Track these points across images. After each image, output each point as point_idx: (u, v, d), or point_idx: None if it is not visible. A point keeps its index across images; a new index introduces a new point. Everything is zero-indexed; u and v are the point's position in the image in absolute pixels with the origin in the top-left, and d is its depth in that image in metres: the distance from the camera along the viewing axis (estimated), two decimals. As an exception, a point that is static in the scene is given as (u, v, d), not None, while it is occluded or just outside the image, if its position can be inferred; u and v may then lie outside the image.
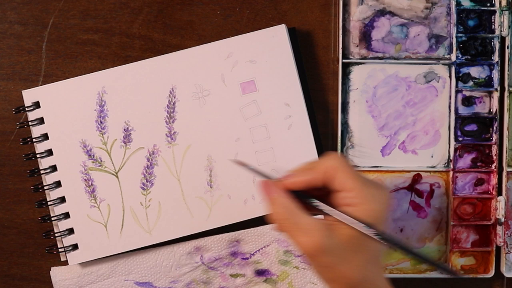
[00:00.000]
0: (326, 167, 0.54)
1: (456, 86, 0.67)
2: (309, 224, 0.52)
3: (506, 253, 0.68)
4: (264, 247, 0.67)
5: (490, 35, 0.67)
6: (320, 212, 0.54)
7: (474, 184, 0.68)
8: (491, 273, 0.68)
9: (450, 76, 0.68)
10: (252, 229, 0.66)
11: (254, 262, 0.67)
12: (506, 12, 0.67)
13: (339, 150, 0.66)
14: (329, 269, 0.53)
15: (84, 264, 0.66)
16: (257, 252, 0.67)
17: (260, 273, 0.67)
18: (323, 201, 0.54)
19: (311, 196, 0.54)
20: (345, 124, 0.67)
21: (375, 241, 0.52)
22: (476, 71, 0.68)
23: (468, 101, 0.68)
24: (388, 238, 0.51)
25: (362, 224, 0.51)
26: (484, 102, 0.68)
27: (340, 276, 0.52)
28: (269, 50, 0.65)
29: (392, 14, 0.67)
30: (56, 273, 0.66)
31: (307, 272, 0.67)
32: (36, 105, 0.65)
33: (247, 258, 0.67)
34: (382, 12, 0.67)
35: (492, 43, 0.67)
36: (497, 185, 0.67)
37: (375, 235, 0.51)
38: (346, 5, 0.67)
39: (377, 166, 0.68)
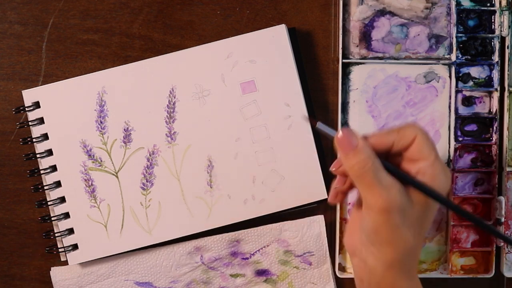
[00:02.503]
0: (406, 133, 0.55)
1: (456, 86, 0.67)
2: (389, 181, 0.53)
3: (506, 253, 0.68)
4: (264, 247, 0.67)
5: (490, 35, 0.67)
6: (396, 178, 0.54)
7: (474, 184, 0.68)
8: (491, 273, 0.68)
9: (450, 76, 0.68)
10: (252, 229, 0.66)
11: (254, 262, 0.67)
12: (506, 12, 0.67)
13: (339, 150, 0.66)
14: (393, 229, 0.53)
15: (84, 264, 0.66)
16: (257, 252, 0.67)
17: (260, 273, 0.67)
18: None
19: (387, 160, 0.55)
20: (345, 124, 0.67)
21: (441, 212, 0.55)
22: (476, 71, 0.68)
23: (468, 101, 0.68)
24: (459, 209, 0.54)
25: (436, 195, 0.53)
26: (484, 102, 0.68)
27: (399, 238, 0.53)
28: (269, 50, 0.65)
29: (392, 14, 0.67)
30: (56, 273, 0.66)
31: (307, 272, 0.67)
32: (36, 105, 0.65)
33: (247, 258, 0.67)
34: (382, 12, 0.67)
35: (492, 43, 0.67)
36: (497, 185, 0.67)
37: (446, 206, 0.54)
38: (346, 5, 0.67)
39: (377, 166, 0.67)
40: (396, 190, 0.53)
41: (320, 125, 0.54)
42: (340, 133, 0.53)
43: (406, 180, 0.54)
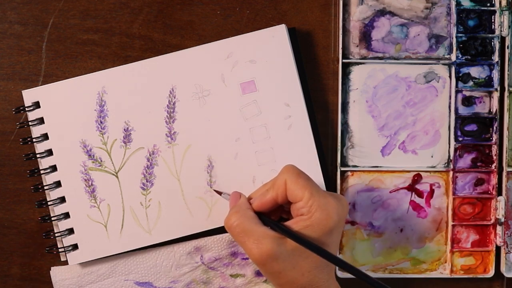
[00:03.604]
0: (278, 182, 0.58)
1: (456, 86, 0.68)
2: (261, 233, 0.56)
3: (506, 253, 0.68)
4: (264, 247, 0.67)
5: (490, 35, 0.67)
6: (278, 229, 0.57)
7: (474, 184, 0.68)
8: (491, 273, 0.68)
9: (450, 76, 0.68)
10: (252, 229, 0.66)
11: (254, 262, 0.67)
12: (506, 12, 0.67)
13: (339, 150, 0.66)
14: (278, 275, 0.56)
15: (84, 264, 0.66)
16: (257, 252, 0.67)
17: (260, 273, 0.67)
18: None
19: (265, 215, 0.59)
20: (345, 124, 0.67)
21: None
22: (476, 71, 0.68)
23: (468, 101, 0.68)
24: (323, 253, 0.54)
25: (302, 241, 0.55)
26: (484, 102, 0.68)
27: (288, 281, 0.56)
28: (269, 50, 0.65)
29: (392, 14, 0.67)
30: (56, 273, 0.66)
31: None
32: (36, 105, 0.65)
33: (247, 258, 0.67)
34: (382, 12, 0.67)
35: (492, 43, 0.67)
36: (497, 185, 0.67)
37: (311, 250, 0.54)
38: (346, 5, 0.67)
39: (377, 166, 0.68)
40: (267, 241, 0.55)
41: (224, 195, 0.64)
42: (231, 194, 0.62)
43: (279, 229, 0.56)
